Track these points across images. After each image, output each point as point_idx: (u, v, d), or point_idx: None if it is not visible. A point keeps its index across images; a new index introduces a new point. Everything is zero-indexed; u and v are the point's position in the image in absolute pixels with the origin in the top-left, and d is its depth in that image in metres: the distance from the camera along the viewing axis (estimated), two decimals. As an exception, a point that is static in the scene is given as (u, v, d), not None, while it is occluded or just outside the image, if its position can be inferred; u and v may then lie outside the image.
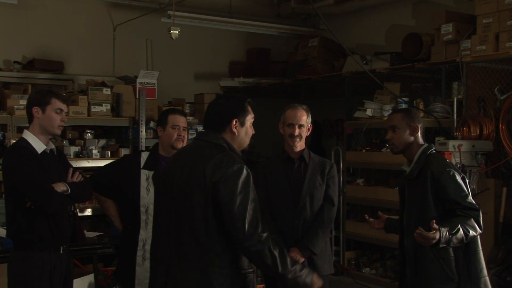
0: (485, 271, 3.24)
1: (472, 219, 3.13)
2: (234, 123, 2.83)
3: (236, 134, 2.84)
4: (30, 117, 3.55)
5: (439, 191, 3.22)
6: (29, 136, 3.52)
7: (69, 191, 3.48)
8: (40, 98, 3.53)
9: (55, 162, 3.61)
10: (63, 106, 3.58)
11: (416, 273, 3.31)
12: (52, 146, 3.63)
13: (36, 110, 3.51)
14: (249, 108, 2.90)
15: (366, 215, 3.67)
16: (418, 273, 3.29)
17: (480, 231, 3.16)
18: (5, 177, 3.52)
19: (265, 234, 2.65)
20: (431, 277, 3.22)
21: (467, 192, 3.20)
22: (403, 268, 3.46)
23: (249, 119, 2.90)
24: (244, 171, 2.67)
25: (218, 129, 2.83)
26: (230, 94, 3.00)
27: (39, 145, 3.51)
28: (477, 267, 3.21)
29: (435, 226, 2.97)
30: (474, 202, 3.20)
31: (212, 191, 2.64)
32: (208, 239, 2.66)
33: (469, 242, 3.18)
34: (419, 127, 3.41)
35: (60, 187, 3.46)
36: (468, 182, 5.24)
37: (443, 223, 3.08)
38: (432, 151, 3.38)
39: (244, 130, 2.88)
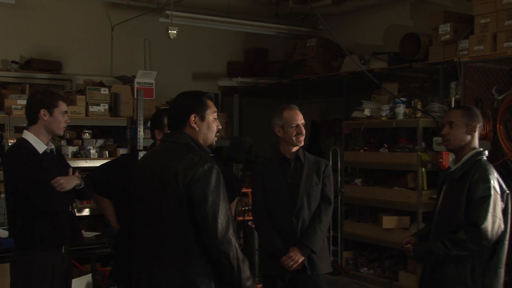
0: None
1: (465, 240, 3.10)
2: (193, 118, 2.80)
3: (197, 129, 2.81)
4: (35, 119, 3.54)
5: (469, 197, 3.17)
6: (29, 136, 3.53)
7: (82, 185, 3.53)
8: (48, 101, 3.53)
9: (55, 161, 3.63)
10: (67, 108, 3.63)
11: (435, 270, 3.32)
12: (52, 146, 3.65)
13: (43, 112, 3.51)
14: (209, 103, 2.86)
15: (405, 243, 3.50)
16: (437, 271, 3.30)
17: (469, 253, 3.12)
18: (6, 177, 3.53)
19: (233, 238, 2.66)
20: (446, 278, 3.23)
21: (487, 217, 3.09)
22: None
23: (210, 113, 2.85)
24: (215, 170, 2.67)
25: (179, 127, 2.81)
26: (189, 91, 2.94)
27: (40, 145, 3.52)
28: (492, 283, 3.17)
29: (409, 246, 3.38)
30: (490, 229, 3.09)
31: (186, 191, 2.64)
32: (186, 240, 2.66)
33: (492, 257, 3.18)
34: (477, 126, 3.33)
35: (75, 181, 3.50)
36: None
37: (425, 241, 3.36)
38: (482, 157, 3.31)
39: (206, 125, 2.84)
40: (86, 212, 6.02)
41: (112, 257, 5.54)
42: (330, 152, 7.44)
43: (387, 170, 6.83)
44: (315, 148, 9.00)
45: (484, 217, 3.09)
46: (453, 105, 5.92)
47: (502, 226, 3.17)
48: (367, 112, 6.85)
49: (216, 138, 2.92)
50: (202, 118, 2.82)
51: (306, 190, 3.88)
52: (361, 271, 6.97)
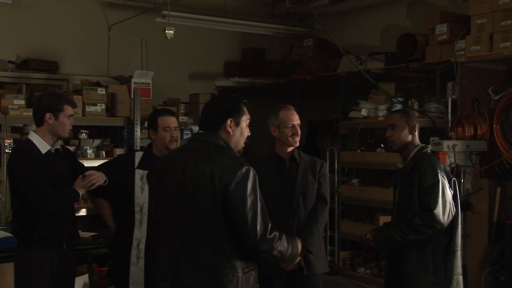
0: (459, 270, 3.42)
1: (419, 225, 3.30)
2: (229, 122, 2.83)
3: (231, 133, 2.84)
4: (40, 122, 3.60)
5: (419, 187, 3.38)
6: (34, 137, 3.60)
7: (106, 182, 3.72)
8: (54, 104, 3.58)
9: (60, 161, 3.68)
10: (73, 111, 3.68)
11: (398, 262, 3.48)
12: (58, 146, 3.71)
13: (49, 116, 3.57)
14: (245, 109, 2.91)
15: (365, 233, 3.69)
16: (400, 261, 3.46)
17: (425, 237, 3.31)
18: (9, 177, 3.65)
19: (273, 233, 2.71)
20: (409, 266, 3.40)
21: (438, 202, 3.30)
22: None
23: (245, 119, 2.90)
24: (251, 172, 2.71)
25: (213, 129, 2.83)
26: (226, 94, 3.00)
27: (43, 146, 3.58)
28: (453, 265, 3.39)
29: (368, 236, 3.56)
30: (441, 213, 3.30)
31: (223, 194, 2.65)
32: (219, 241, 2.68)
33: (450, 242, 3.40)
34: (416, 125, 3.56)
35: (103, 177, 3.71)
36: (462, 182, 5.33)
37: (384, 230, 3.53)
38: (427, 150, 3.52)
39: (239, 131, 2.88)
40: (83, 212, 6.01)
41: (109, 258, 5.55)
42: (327, 152, 7.44)
43: (384, 170, 6.84)
44: (313, 148, 9.01)
45: (436, 202, 3.30)
46: (450, 105, 5.93)
47: (454, 209, 3.38)
48: (364, 112, 6.86)
49: (243, 145, 2.97)
50: (237, 124, 2.87)
51: (301, 190, 3.87)
52: (358, 271, 6.98)
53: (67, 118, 3.62)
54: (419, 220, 3.30)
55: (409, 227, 3.32)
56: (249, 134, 2.96)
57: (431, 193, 3.32)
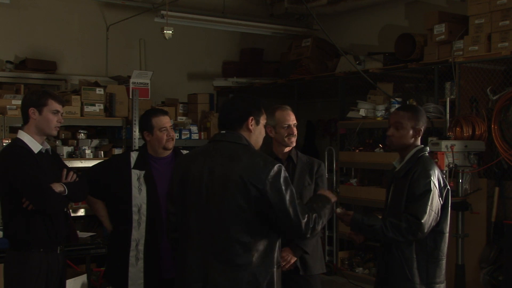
0: (442, 278, 3.34)
1: (404, 228, 3.20)
2: (250, 120, 2.88)
3: (252, 132, 2.90)
4: (26, 118, 3.52)
5: (410, 190, 3.28)
6: (24, 136, 3.50)
7: (66, 192, 3.46)
8: (36, 99, 3.50)
9: (50, 162, 3.60)
10: (59, 107, 3.56)
11: (383, 267, 3.42)
12: (48, 146, 3.62)
13: (32, 111, 3.48)
14: (263, 109, 2.97)
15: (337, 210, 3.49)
16: (385, 267, 3.40)
17: (404, 240, 3.24)
18: (2, 177, 3.46)
19: (313, 216, 2.77)
20: (392, 274, 3.34)
21: (427, 211, 3.21)
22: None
23: (263, 119, 2.96)
24: (283, 169, 2.76)
25: (235, 128, 2.87)
26: (244, 94, 3.03)
27: (35, 145, 3.49)
28: (435, 274, 3.31)
29: (351, 212, 3.35)
30: (428, 222, 3.21)
31: (257, 194, 2.68)
32: (252, 240, 2.71)
33: (434, 250, 3.31)
34: (422, 130, 3.41)
35: (58, 188, 3.44)
36: (461, 182, 5.33)
37: (367, 215, 3.36)
38: (424, 154, 3.41)
39: (259, 129, 2.94)
40: (81, 212, 6.01)
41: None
42: (326, 152, 7.44)
43: (382, 170, 6.84)
44: (311, 148, 9.01)
45: (424, 211, 3.21)
46: (448, 105, 5.92)
47: (437, 218, 3.28)
48: (362, 112, 6.87)
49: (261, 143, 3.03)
50: (257, 123, 2.93)
51: (298, 191, 3.84)
52: (356, 271, 6.99)
53: (52, 113, 3.50)
54: (406, 224, 3.20)
55: (393, 226, 3.22)
56: (265, 134, 3.02)
57: (421, 201, 3.22)
